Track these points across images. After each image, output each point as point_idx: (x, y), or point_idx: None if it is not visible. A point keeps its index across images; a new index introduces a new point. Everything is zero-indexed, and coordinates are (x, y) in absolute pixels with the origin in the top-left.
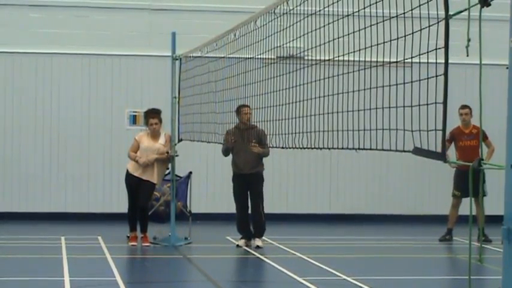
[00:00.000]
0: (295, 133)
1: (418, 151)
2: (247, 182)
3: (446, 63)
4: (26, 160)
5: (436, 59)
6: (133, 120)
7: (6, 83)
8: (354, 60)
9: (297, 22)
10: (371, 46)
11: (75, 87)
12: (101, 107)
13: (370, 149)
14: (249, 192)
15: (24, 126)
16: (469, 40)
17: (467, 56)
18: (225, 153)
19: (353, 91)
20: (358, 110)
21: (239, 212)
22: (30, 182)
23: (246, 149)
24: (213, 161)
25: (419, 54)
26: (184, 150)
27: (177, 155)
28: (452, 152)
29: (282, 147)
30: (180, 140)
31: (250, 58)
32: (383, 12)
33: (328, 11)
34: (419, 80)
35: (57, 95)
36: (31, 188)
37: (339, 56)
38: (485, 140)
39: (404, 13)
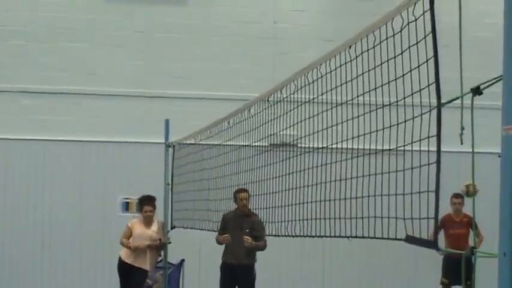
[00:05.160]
0: (288, 221)
1: (410, 239)
2: (236, 274)
3: (439, 151)
4: (16, 245)
5: (429, 147)
6: (126, 207)
7: None
8: (346, 148)
9: (290, 110)
10: (364, 134)
11: (67, 174)
12: (93, 193)
13: (363, 237)
14: (237, 287)
15: (16, 213)
16: (462, 128)
17: (462, 144)
18: (219, 242)
19: (345, 179)
20: (351, 198)
21: None
22: (20, 267)
23: (240, 238)
24: (207, 248)
25: (412, 142)
26: (177, 238)
27: (169, 242)
28: (441, 239)
29: (275, 235)
30: (173, 227)
31: (244, 146)
32: (376, 101)
33: (322, 99)
34: (412, 168)
35: (49, 181)
36: (22, 274)
37: (332, 144)
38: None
39: (397, 101)
